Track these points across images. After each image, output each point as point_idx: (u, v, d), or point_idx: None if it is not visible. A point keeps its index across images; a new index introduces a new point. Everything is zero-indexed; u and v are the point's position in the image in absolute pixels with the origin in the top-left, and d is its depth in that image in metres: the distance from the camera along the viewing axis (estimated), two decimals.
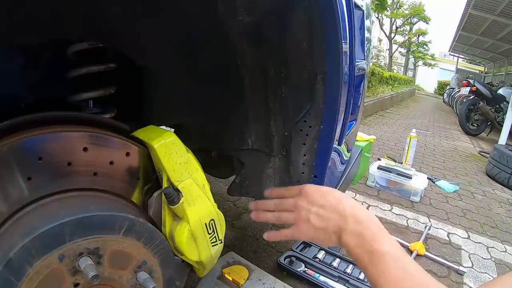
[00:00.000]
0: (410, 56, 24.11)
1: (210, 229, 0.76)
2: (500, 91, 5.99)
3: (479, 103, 5.88)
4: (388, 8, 17.17)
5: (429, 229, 1.92)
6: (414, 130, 2.87)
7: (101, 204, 0.63)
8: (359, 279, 1.31)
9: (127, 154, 0.67)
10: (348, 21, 0.82)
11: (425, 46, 23.08)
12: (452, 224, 2.08)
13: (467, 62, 19.71)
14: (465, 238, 1.93)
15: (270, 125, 0.96)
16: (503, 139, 4.25)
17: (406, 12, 20.12)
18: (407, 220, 2.05)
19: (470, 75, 9.29)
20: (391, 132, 5.10)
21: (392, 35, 21.28)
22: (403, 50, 23.97)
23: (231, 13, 0.78)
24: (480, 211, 2.39)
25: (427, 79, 25.89)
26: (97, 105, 0.86)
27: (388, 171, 2.46)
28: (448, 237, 1.90)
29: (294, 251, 1.45)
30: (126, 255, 0.58)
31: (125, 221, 0.57)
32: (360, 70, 1.07)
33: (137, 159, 0.69)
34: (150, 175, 0.73)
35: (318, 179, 0.95)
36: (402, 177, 2.39)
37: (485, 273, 1.59)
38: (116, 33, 0.79)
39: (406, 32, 21.96)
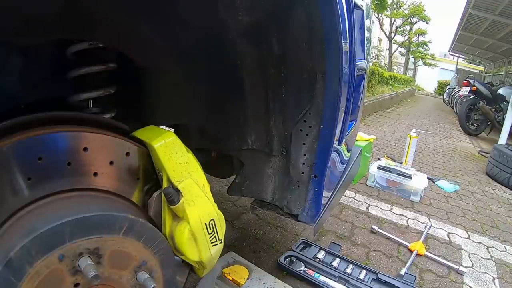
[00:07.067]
0: (410, 56, 24.07)
1: (210, 229, 0.75)
2: (500, 91, 5.99)
3: (479, 103, 5.87)
4: (388, 8, 17.15)
5: (429, 229, 1.91)
6: (414, 130, 2.86)
7: (101, 204, 0.63)
8: (359, 279, 1.31)
9: (127, 154, 0.67)
10: (348, 21, 0.82)
11: (425, 46, 23.04)
12: (452, 224, 2.08)
13: (467, 62, 19.67)
14: (465, 238, 1.93)
15: (270, 125, 0.96)
16: (503, 139, 4.24)
17: (406, 12, 20.10)
18: (407, 220, 2.05)
19: (470, 75, 9.26)
20: (391, 132, 5.09)
21: (392, 35, 21.25)
22: (403, 50, 23.93)
23: (231, 13, 0.78)
24: (480, 211, 2.39)
25: (427, 79, 25.86)
26: (97, 105, 0.86)
27: (388, 171, 2.46)
28: (448, 237, 1.90)
29: (294, 251, 1.44)
30: (126, 255, 0.58)
31: (125, 221, 0.57)
32: (360, 70, 1.07)
33: (137, 159, 0.69)
34: (150, 175, 0.73)
35: (318, 179, 0.96)
36: (402, 177, 2.40)
37: (485, 273, 1.59)
38: (116, 33, 0.79)
39: (406, 32, 21.93)
